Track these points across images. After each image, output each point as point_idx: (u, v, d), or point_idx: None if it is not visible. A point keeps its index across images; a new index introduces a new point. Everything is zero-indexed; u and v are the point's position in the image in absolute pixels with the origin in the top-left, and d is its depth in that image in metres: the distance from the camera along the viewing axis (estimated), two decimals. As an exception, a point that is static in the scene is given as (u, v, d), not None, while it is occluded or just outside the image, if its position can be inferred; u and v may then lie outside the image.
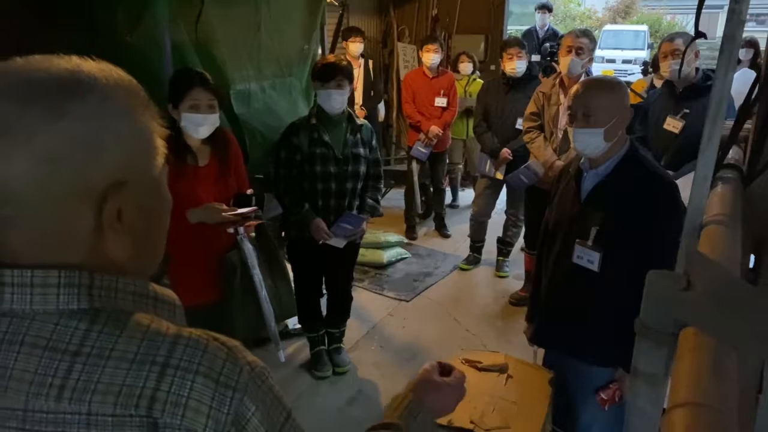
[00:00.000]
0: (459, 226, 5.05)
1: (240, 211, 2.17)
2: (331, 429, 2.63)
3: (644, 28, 18.29)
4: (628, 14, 23.92)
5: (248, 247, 2.30)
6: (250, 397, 0.57)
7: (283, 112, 3.16)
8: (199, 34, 2.68)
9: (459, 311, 3.76)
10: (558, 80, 3.27)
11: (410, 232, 4.96)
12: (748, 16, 0.76)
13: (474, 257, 4.43)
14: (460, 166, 5.70)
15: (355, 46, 4.82)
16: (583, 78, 3.09)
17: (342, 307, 3.08)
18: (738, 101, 1.28)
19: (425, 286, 4.08)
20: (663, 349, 0.61)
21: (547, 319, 1.98)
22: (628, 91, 1.93)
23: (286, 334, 3.27)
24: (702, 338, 0.57)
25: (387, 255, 4.36)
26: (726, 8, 0.75)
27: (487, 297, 4.00)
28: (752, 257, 1.23)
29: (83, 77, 0.56)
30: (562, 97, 3.20)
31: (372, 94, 5.22)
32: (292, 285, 2.74)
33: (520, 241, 4.14)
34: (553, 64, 4.36)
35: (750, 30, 15.31)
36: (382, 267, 4.30)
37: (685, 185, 1.31)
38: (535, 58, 5.48)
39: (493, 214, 4.28)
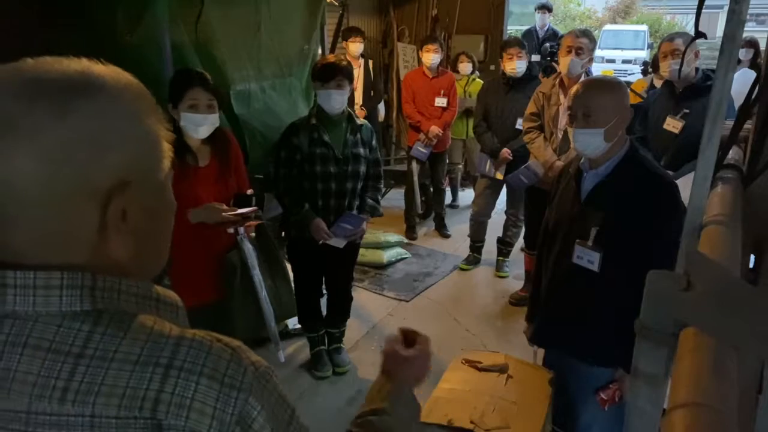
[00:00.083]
0: (459, 226, 5.05)
1: (240, 211, 2.18)
2: (331, 429, 2.63)
3: (644, 28, 18.28)
4: (628, 14, 23.92)
5: (248, 247, 2.30)
6: (255, 397, 0.57)
7: (283, 112, 3.16)
8: (199, 34, 2.68)
9: (459, 311, 3.76)
10: (558, 80, 3.27)
11: (410, 232, 4.96)
12: (748, 16, 0.76)
13: (474, 257, 4.43)
14: (460, 166, 5.70)
15: (355, 46, 4.82)
16: (583, 78, 3.09)
17: (342, 307, 3.08)
18: (738, 101, 1.28)
19: (425, 286, 4.08)
20: (663, 350, 0.61)
21: (547, 319, 1.98)
22: (628, 91, 1.93)
23: (286, 334, 3.27)
24: (702, 338, 0.57)
25: (387, 255, 4.36)
26: (726, 8, 0.75)
27: (487, 297, 4.00)
28: (752, 257, 1.23)
29: (93, 78, 0.57)
30: (562, 97, 3.20)
31: (372, 94, 5.22)
32: (292, 285, 2.74)
33: (520, 241, 4.14)
34: (553, 64, 4.37)
35: (750, 30, 15.31)
36: (382, 267, 4.30)
37: (685, 185, 1.31)
38: (535, 58, 5.48)
39: (493, 214, 4.28)
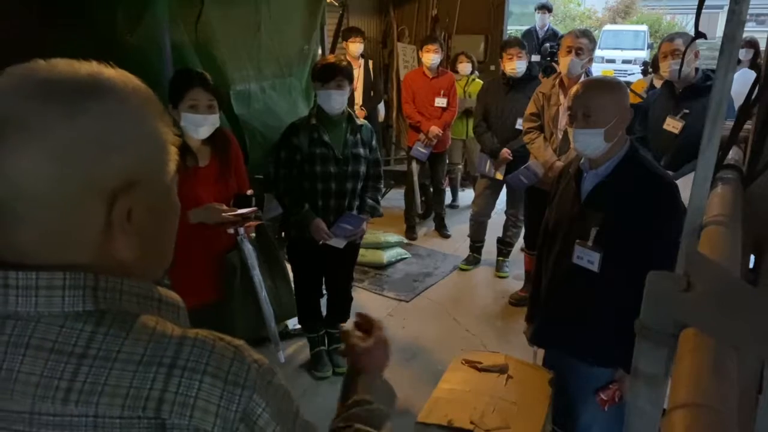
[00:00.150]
0: (459, 227, 5.05)
1: (240, 211, 2.18)
2: (331, 429, 2.63)
3: (644, 28, 18.28)
4: (628, 14, 23.92)
5: (248, 248, 2.31)
6: (259, 394, 0.58)
7: (283, 113, 3.16)
8: (199, 34, 2.68)
9: (459, 311, 3.76)
10: (558, 80, 3.27)
11: (410, 233, 4.96)
12: (748, 16, 0.76)
13: (474, 257, 4.43)
14: (460, 167, 5.70)
15: (355, 47, 4.83)
16: (582, 78, 3.09)
17: (342, 308, 3.08)
18: (738, 101, 1.28)
19: (425, 287, 4.08)
20: (663, 350, 0.61)
21: (547, 319, 1.99)
22: (628, 91, 1.93)
23: (286, 335, 3.27)
24: (702, 339, 0.57)
25: (387, 255, 4.36)
26: (726, 8, 0.75)
27: (487, 297, 4.00)
28: (752, 257, 1.23)
29: (102, 81, 0.58)
30: (562, 97, 3.20)
31: (372, 94, 5.23)
32: (292, 285, 2.74)
33: (520, 242, 4.14)
34: (553, 64, 4.37)
35: (750, 30, 15.30)
36: (382, 267, 4.30)
37: (685, 185, 1.31)
38: (535, 58, 5.48)
39: (493, 214, 4.28)
